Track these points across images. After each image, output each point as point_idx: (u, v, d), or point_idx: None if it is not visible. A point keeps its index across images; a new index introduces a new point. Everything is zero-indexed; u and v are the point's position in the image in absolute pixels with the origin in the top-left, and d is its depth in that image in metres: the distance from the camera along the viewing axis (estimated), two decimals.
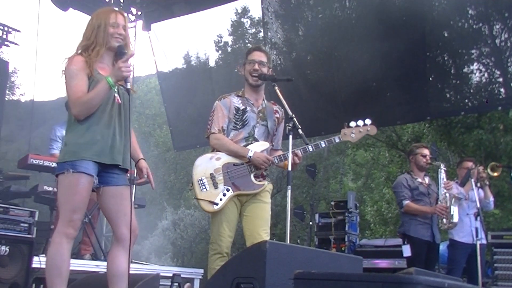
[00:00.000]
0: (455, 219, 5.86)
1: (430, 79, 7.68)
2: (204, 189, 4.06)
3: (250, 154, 4.08)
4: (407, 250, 5.81)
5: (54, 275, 3.15)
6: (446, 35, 7.76)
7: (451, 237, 6.27)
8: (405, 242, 5.86)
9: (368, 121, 4.24)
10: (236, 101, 4.28)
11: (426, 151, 6.14)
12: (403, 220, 6.04)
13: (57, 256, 3.17)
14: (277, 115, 4.36)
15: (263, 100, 4.36)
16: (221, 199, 4.03)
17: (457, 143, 16.22)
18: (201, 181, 4.08)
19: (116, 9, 3.74)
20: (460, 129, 15.68)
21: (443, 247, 6.38)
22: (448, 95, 7.85)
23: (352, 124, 4.25)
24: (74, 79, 3.28)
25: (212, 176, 4.08)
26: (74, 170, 3.19)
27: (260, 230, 4.06)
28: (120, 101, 3.36)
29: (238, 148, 4.14)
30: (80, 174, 3.20)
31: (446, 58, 7.95)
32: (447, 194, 5.90)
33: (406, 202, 5.89)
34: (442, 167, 6.06)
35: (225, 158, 4.14)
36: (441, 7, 7.72)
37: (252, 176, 4.12)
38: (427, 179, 6.16)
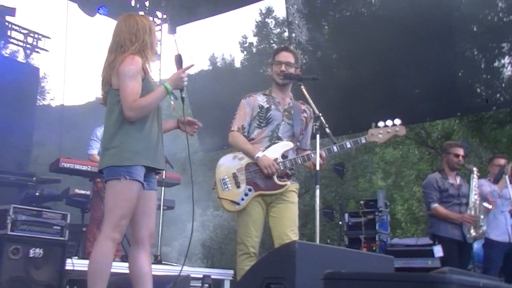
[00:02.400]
0: (484, 227, 5.70)
1: (460, 74, 7.57)
2: (227, 189, 4.06)
3: (259, 155, 4.06)
4: (438, 251, 5.69)
5: (98, 278, 3.18)
6: (475, 29, 7.63)
7: (487, 236, 6.10)
8: (436, 243, 5.75)
9: (397, 121, 4.08)
10: (261, 100, 4.27)
11: (460, 151, 5.93)
12: (431, 222, 5.91)
13: (102, 260, 3.22)
14: (305, 115, 4.33)
15: (291, 99, 4.34)
16: (242, 199, 4.02)
17: (489, 139, 15.92)
18: (224, 181, 4.08)
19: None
20: (492, 125, 15.38)
21: (477, 245, 6.25)
22: (478, 90, 7.73)
23: (381, 124, 4.10)
24: (133, 80, 3.28)
25: (234, 176, 4.07)
26: (130, 178, 3.22)
27: (287, 231, 4.03)
28: (174, 107, 3.42)
29: (249, 148, 4.12)
30: (134, 182, 3.24)
31: (475, 53, 7.81)
32: (477, 202, 5.74)
33: (434, 205, 5.74)
34: (475, 172, 5.88)
35: (248, 158, 4.12)
36: (469, 0, 7.59)
37: (274, 176, 4.09)
38: (458, 179, 6.00)
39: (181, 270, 4.04)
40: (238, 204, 4.02)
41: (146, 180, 3.38)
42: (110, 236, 3.22)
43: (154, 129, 3.40)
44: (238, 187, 4.05)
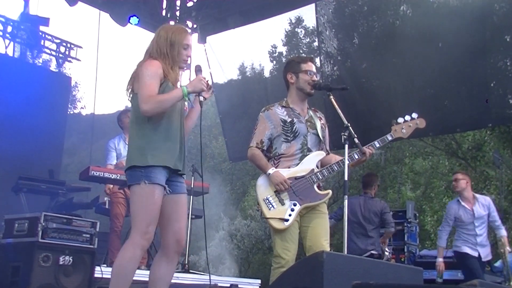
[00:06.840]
0: None
1: (492, 85, 7.46)
2: (272, 208, 4.01)
3: (270, 171, 4.04)
4: None
5: (121, 284, 3.20)
6: (508, 39, 7.52)
7: None
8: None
9: (414, 115, 4.28)
10: (280, 112, 4.22)
11: None
12: None
13: (129, 266, 3.23)
14: (322, 122, 4.32)
15: (308, 108, 4.33)
16: (290, 215, 3.97)
17: None
18: (267, 200, 4.03)
19: (188, 29, 3.86)
20: None
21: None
22: (511, 101, 7.60)
23: (400, 120, 4.26)
24: (150, 78, 3.32)
25: (276, 193, 4.03)
26: (149, 182, 3.23)
27: (322, 240, 4.02)
28: (187, 109, 3.45)
29: (263, 164, 4.11)
30: (155, 186, 3.25)
31: (508, 63, 7.71)
32: None
33: None
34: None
35: (285, 174, 4.07)
36: (502, 11, 7.48)
37: (315, 186, 4.07)
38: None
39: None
40: (286, 220, 3.96)
41: (171, 184, 3.39)
42: (138, 243, 3.23)
43: (173, 132, 3.41)
44: (283, 204, 4.01)
